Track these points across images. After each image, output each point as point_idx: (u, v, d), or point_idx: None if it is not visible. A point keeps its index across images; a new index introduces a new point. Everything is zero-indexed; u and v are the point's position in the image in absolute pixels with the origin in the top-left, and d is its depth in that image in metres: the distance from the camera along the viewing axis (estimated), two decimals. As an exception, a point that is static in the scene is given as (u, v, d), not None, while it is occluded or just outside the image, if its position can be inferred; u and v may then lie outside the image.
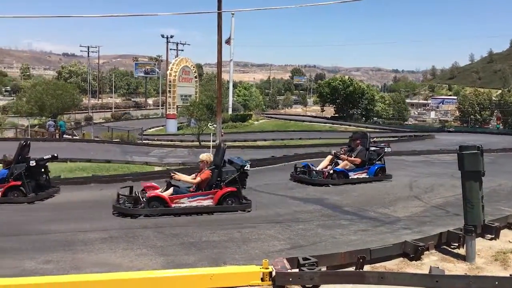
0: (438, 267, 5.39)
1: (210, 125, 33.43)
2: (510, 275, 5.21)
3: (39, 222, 7.95)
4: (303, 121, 54.74)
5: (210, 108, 34.95)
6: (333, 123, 52.47)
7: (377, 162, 12.67)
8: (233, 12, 49.61)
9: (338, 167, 12.13)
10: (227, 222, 8.11)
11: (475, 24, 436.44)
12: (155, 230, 7.41)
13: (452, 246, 6.85)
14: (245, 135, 36.91)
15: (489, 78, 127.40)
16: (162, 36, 66.91)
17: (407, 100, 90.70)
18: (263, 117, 58.41)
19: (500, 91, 68.73)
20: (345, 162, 12.17)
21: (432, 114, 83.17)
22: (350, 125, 51.06)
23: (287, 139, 33.06)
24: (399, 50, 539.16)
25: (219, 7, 27.82)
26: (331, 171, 11.92)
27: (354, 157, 12.42)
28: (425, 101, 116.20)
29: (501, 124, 55.13)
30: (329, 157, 12.46)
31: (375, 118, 64.56)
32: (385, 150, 12.92)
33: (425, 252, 6.47)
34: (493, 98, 62.70)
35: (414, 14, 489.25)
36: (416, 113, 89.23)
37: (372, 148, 12.96)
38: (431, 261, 6.28)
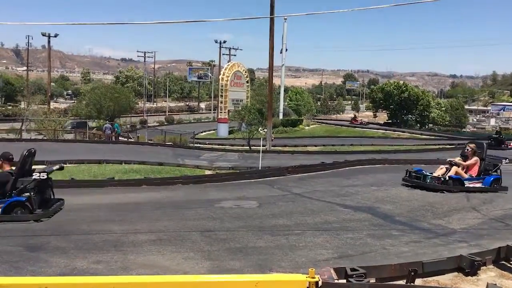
0: (495, 284, 5.10)
1: (261, 130, 33.59)
2: None
3: (92, 222, 8.20)
4: (355, 126, 53.91)
5: (261, 113, 35.14)
6: (386, 130, 51.32)
7: None
8: (285, 17, 49.52)
9: None
10: (275, 228, 8.05)
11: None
12: (203, 234, 7.46)
13: (511, 262, 6.47)
14: (295, 140, 36.78)
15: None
16: (216, 41, 68.36)
17: (466, 107, 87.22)
18: (314, 122, 58.03)
19: None
20: None
21: (492, 121, 79.46)
22: (403, 132, 49.79)
23: (338, 145, 32.62)
24: (457, 54, 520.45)
25: (272, 13, 28.05)
26: None
27: None
28: (485, 108, 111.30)
29: None
30: None
31: (430, 125, 62.55)
32: None
33: (482, 268, 6.13)
34: (560, 105, 59.23)
35: (474, 17, 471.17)
36: (475, 120, 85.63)
37: None
38: (488, 277, 5.95)
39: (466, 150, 12.29)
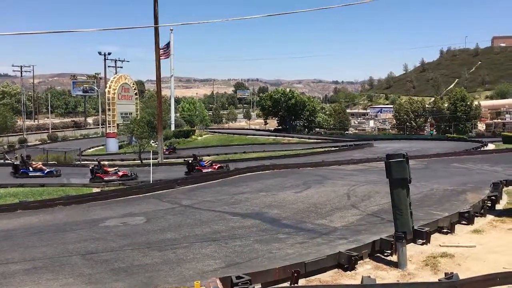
0: (369, 277, 5.42)
1: (152, 143, 32.82)
2: (439, 280, 5.31)
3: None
4: (247, 134, 54.94)
5: (152, 125, 34.36)
6: (276, 136, 52.96)
7: None
8: (171, 28, 49.24)
9: None
10: (162, 243, 7.84)
11: (408, 36, 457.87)
12: (84, 257, 7.03)
13: (385, 254, 6.95)
14: (189, 151, 36.45)
15: (422, 86, 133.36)
16: (100, 53, 65.40)
17: (348, 110, 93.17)
18: (206, 132, 58.08)
19: (432, 99, 72.21)
20: None
21: (371, 123, 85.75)
22: (293, 137, 51.73)
23: (231, 153, 32.95)
24: (338, 62, 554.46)
25: (156, 22, 27.62)
26: None
27: None
28: (365, 111, 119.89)
29: (434, 130, 57.76)
30: None
31: (317, 129, 65.82)
32: None
33: (359, 262, 6.52)
34: (426, 106, 65.58)
35: (351, 26, 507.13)
36: (356, 122, 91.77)
37: None
38: (364, 270, 6.33)
39: None
